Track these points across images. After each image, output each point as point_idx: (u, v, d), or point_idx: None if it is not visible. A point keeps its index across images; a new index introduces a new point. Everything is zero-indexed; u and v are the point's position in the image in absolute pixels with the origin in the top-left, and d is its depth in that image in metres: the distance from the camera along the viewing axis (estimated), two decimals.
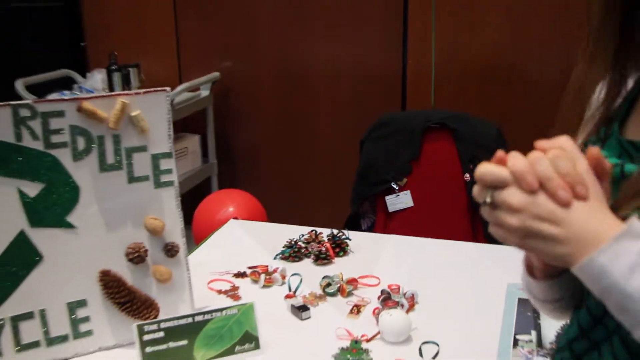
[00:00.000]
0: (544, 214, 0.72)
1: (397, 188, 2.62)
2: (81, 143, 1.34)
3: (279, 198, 3.51)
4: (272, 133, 3.56)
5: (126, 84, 3.30)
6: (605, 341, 0.83)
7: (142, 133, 1.37)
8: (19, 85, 3.22)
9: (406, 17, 3.15)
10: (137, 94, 1.36)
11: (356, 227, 2.69)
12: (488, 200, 0.74)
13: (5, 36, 3.46)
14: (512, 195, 0.72)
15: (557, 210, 0.72)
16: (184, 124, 3.45)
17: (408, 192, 2.62)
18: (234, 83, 3.55)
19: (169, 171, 1.42)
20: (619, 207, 0.79)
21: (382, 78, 3.27)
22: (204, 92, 3.47)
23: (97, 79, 3.40)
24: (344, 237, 1.86)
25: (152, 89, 1.37)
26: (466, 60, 3.10)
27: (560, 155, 0.72)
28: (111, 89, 3.30)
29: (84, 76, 3.53)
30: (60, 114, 1.31)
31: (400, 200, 2.63)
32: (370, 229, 2.71)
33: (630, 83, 0.94)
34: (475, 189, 0.76)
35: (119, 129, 1.35)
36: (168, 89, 1.37)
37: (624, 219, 0.74)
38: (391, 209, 2.62)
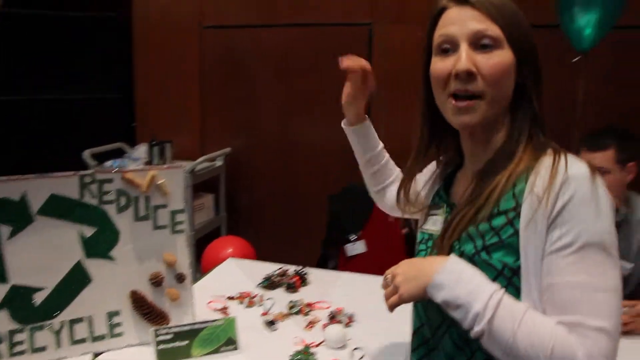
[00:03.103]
0: (406, 276, 0.95)
1: (354, 238, 2.73)
2: (123, 201, 1.44)
3: (270, 241, 3.56)
4: (267, 194, 3.62)
5: (162, 155, 3.38)
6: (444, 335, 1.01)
7: (164, 195, 1.48)
8: (86, 154, 3.34)
9: (370, 109, 3.29)
10: (162, 168, 1.47)
11: (324, 266, 2.80)
12: (389, 278, 0.99)
13: (80, 117, 3.61)
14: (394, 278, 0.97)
15: (403, 275, 0.95)
16: (203, 185, 3.51)
17: (362, 241, 2.73)
18: (241, 155, 3.64)
19: (181, 222, 1.51)
20: (441, 248, 0.98)
21: (352, 153, 3.35)
22: (219, 162, 3.55)
23: (141, 150, 3.48)
24: (304, 272, 1.95)
25: (173, 165, 1.49)
26: (412, 144, 3.22)
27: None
28: (151, 158, 3.38)
29: (132, 148, 3.62)
30: (110, 180, 1.43)
31: (356, 248, 2.73)
32: (335, 268, 2.81)
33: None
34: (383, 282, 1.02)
35: (149, 192, 1.46)
36: (183, 165, 1.49)
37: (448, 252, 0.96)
38: (349, 254, 2.73)
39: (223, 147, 3.60)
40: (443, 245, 0.97)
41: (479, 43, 0.93)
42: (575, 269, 0.83)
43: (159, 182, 1.47)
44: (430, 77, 1.01)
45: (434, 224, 1.09)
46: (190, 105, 3.69)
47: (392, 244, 2.70)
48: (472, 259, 0.92)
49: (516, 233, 0.89)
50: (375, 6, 3.21)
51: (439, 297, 0.89)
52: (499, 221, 0.91)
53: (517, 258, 0.88)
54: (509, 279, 0.89)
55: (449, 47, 0.96)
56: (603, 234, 0.84)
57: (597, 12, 2.37)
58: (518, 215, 0.89)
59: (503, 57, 0.93)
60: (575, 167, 0.87)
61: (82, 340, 1.44)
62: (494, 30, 0.93)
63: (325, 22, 3.32)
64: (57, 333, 1.42)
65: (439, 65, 0.97)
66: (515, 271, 0.88)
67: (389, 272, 1.00)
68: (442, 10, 0.99)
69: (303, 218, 3.53)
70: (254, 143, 3.62)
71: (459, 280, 0.87)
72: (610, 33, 2.41)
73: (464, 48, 0.93)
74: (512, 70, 0.95)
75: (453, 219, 0.97)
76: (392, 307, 0.97)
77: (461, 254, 0.93)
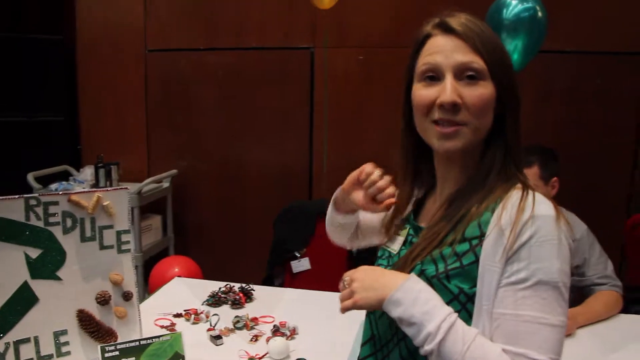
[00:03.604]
0: (364, 284, 0.98)
1: (299, 256, 2.79)
2: (69, 222, 1.48)
3: (218, 261, 3.60)
4: (213, 214, 3.66)
5: (108, 177, 3.36)
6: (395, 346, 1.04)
7: (110, 216, 1.53)
8: (30, 177, 3.30)
9: (312, 130, 3.40)
10: (107, 190, 1.52)
11: (271, 284, 2.85)
12: (346, 281, 1.02)
13: (22, 141, 3.56)
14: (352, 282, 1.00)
15: (361, 282, 0.98)
16: (150, 207, 3.52)
17: (307, 258, 2.78)
18: (187, 177, 3.66)
19: (127, 242, 1.56)
20: (404, 266, 1.02)
21: (295, 173, 3.46)
22: (165, 184, 3.56)
23: (87, 173, 3.46)
24: (249, 288, 2.01)
25: (118, 187, 1.53)
26: (354, 164, 3.35)
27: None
28: (97, 181, 3.35)
29: (78, 170, 3.58)
30: (55, 203, 1.46)
31: (301, 265, 2.78)
32: (281, 285, 2.86)
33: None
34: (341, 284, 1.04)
35: (95, 214, 1.51)
36: (128, 187, 1.52)
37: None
38: (295, 270, 2.78)
39: (169, 169, 3.63)
40: (406, 264, 1.00)
41: (463, 74, 0.96)
42: (527, 304, 0.87)
43: (105, 203, 1.52)
44: (412, 101, 1.03)
45: (394, 243, 1.13)
46: (136, 127, 3.71)
47: (335, 261, 2.77)
48: (430, 281, 0.95)
49: (476, 261, 0.92)
50: (317, 31, 3.32)
51: (395, 313, 0.92)
52: (462, 247, 0.95)
53: (474, 285, 0.92)
54: (463, 304, 0.92)
55: (434, 75, 0.98)
56: (558, 273, 0.87)
57: (522, 39, 2.55)
58: (481, 244, 0.92)
59: (486, 89, 0.96)
60: (542, 207, 0.91)
61: None
62: (478, 62, 0.95)
63: (267, 46, 3.42)
64: (2, 355, 1.43)
65: (423, 92, 0.99)
66: (470, 297, 0.92)
67: (348, 275, 1.03)
68: (427, 36, 1.01)
69: (249, 237, 3.58)
70: (199, 164, 3.66)
71: (415, 300, 0.90)
72: (536, 57, 2.59)
73: (449, 79, 0.95)
74: (493, 102, 0.97)
75: (421, 242, 1.01)
76: (344, 310, 1.00)
77: (421, 273, 0.97)
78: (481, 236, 0.93)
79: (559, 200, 2.15)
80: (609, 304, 1.94)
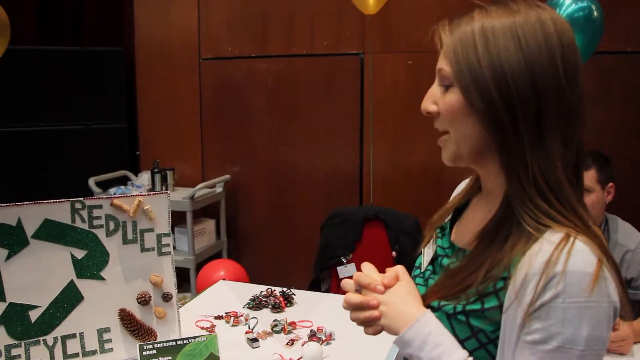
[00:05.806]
0: (389, 310, 0.90)
1: (345, 261, 2.80)
2: (112, 225, 1.56)
3: (266, 264, 3.67)
4: (264, 219, 3.73)
5: (164, 182, 3.49)
6: None
7: (150, 220, 1.59)
8: (91, 181, 3.47)
9: (362, 136, 3.41)
10: (148, 195, 1.59)
11: (317, 289, 2.87)
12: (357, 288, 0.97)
13: (85, 147, 3.76)
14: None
15: (382, 296, 0.92)
16: (203, 211, 3.63)
17: (353, 264, 2.78)
18: (240, 182, 3.74)
19: (167, 245, 1.62)
20: (428, 296, 0.94)
21: (345, 179, 3.48)
22: (219, 189, 3.66)
23: (144, 178, 3.59)
24: (290, 292, 2.04)
25: (158, 192, 1.61)
26: (404, 170, 3.35)
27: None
28: (153, 185, 3.49)
29: (136, 175, 3.73)
30: (99, 206, 1.55)
31: (347, 270, 2.77)
32: (327, 290, 2.89)
33: None
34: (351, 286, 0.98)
35: (136, 217, 1.58)
36: (169, 192, 1.59)
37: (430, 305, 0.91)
38: (341, 276, 2.78)
39: (223, 174, 3.72)
40: (430, 294, 0.95)
41: (441, 82, 0.90)
42: None
43: (145, 207, 1.59)
44: None
45: (427, 254, 1.08)
46: (191, 133, 3.83)
47: (381, 268, 2.76)
48: (448, 316, 0.89)
49: (500, 306, 0.83)
50: (366, 36, 3.34)
51: (404, 352, 0.88)
52: (486, 289, 0.85)
53: (497, 328, 0.84)
54: (483, 344, 0.86)
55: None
56: (585, 341, 0.77)
57: (577, 39, 2.48)
58: (506, 287, 0.82)
59: (454, 95, 0.87)
60: (577, 260, 0.78)
61: (75, 355, 1.55)
62: (446, 68, 0.87)
63: (317, 53, 3.46)
64: (51, 348, 1.53)
65: None
66: (492, 340, 0.85)
67: (375, 297, 0.94)
68: None
69: (298, 241, 3.62)
70: (251, 170, 3.74)
71: (424, 343, 0.85)
72: (591, 58, 2.51)
73: (433, 86, 0.91)
74: (462, 111, 0.86)
75: (445, 282, 0.93)
76: (371, 333, 0.95)
77: (439, 308, 0.91)
78: (507, 278, 0.82)
79: (614, 208, 2.10)
80: None
